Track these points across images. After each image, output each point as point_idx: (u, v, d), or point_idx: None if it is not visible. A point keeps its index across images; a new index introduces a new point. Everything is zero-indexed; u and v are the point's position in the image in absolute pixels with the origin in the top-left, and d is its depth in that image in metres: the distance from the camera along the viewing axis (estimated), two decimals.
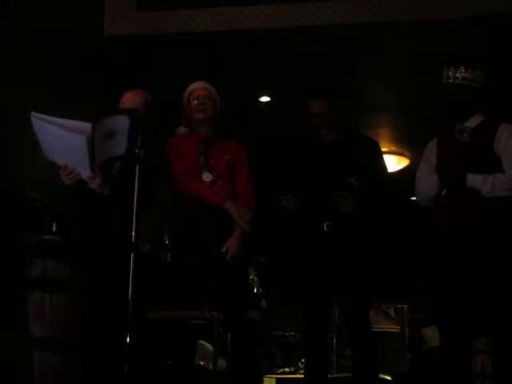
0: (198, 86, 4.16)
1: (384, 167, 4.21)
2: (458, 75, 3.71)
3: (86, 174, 3.48)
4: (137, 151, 3.57)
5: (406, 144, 7.37)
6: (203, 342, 4.71)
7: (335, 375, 6.04)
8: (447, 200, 3.73)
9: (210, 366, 4.32)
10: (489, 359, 4.83)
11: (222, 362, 4.11)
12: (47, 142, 3.42)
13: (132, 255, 3.46)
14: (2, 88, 4.56)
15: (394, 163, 7.48)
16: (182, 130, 4.18)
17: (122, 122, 3.44)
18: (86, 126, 3.33)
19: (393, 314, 7.00)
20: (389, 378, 5.90)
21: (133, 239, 3.51)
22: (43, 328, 3.42)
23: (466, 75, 3.70)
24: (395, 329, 6.90)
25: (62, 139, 3.36)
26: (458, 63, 3.73)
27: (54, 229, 4.01)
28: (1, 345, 3.22)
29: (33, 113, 3.35)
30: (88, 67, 4.99)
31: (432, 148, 3.90)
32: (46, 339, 3.42)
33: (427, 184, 3.87)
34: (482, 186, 3.60)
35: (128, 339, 3.35)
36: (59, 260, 3.54)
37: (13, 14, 4.78)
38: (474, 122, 3.75)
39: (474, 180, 3.62)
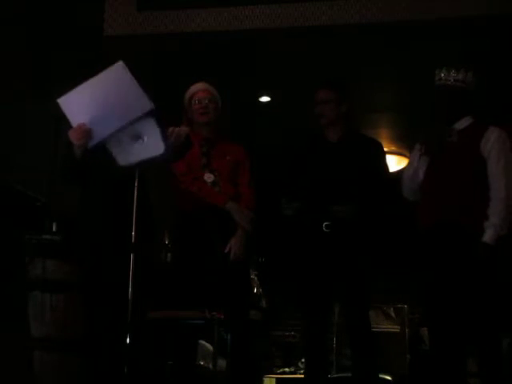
0: (199, 88, 4.15)
1: (386, 169, 4.21)
2: (450, 77, 3.72)
3: (103, 133, 3.29)
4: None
5: (406, 144, 7.36)
6: (203, 342, 4.71)
7: (335, 375, 6.03)
8: (431, 194, 3.73)
9: (210, 366, 4.32)
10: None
11: (221, 362, 4.11)
12: (100, 90, 3.29)
13: (132, 255, 3.46)
14: (2, 88, 4.56)
15: (394, 163, 7.48)
16: (185, 129, 4.16)
17: (148, 124, 3.34)
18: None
19: (393, 314, 7.00)
20: (389, 378, 5.89)
21: (133, 239, 3.52)
22: (43, 328, 3.42)
23: (458, 77, 3.71)
24: (395, 329, 6.89)
25: (127, 94, 3.28)
26: (450, 65, 3.74)
27: (54, 229, 4.01)
28: (1, 345, 3.22)
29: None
30: (88, 67, 4.98)
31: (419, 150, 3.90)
32: (45, 339, 3.42)
33: (408, 173, 3.88)
34: (494, 230, 3.57)
35: (128, 339, 3.35)
36: (59, 260, 3.55)
37: (13, 14, 4.78)
38: (462, 124, 3.76)
39: (489, 236, 3.58)
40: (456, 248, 3.59)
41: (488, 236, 3.57)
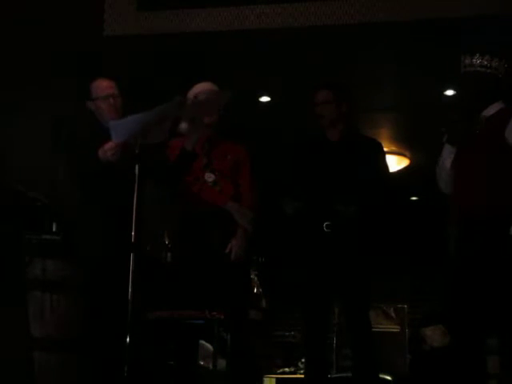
0: (206, 88, 4.10)
1: (386, 169, 4.20)
2: (474, 63, 3.60)
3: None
4: (136, 151, 3.59)
5: (406, 144, 7.37)
6: (203, 342, 4.70)
7: (335, 375, 6.03)
8: (458, 185, 3.64)
9: (210, 365, 4.32)
10: (489, 359, 4.81)
11: (221, 362, 4.11)
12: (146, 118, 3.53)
13: (132, 255, 3.46)
14: (2, 88, 4.56)
15: (394, 163, 7.48)
16: (184, 125, 4.10)
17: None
18: None
19: (393, 314, 7.01)
20: (389, 378, 5.89)
21: (133, 239, 3.52)
22: (43, 328, 3.42)
23: (484, 62, 3.58)
24: (395, 329, 6.91)
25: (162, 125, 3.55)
26: (474, 51, 3.63)
27: (53, 229, 4.01)
28: (1, 345, 3.22)
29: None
30: (88, 67, 4.98)
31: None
32: (45, 339, 3.42)
33: (437, 164, 3.77)
34: None
35: (128, 339, 3.35)
36: (59, 260, 3.54)
37: (13, 14, 4.78)
38: (491, 110, 3.61)
39: None
40: (484, 243, 3.46)
41: None
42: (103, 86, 3.85)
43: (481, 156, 3.58)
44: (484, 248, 3.48)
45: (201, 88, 4.10)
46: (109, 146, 3.51)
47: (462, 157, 3.66)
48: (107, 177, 3.61)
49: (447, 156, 3.72)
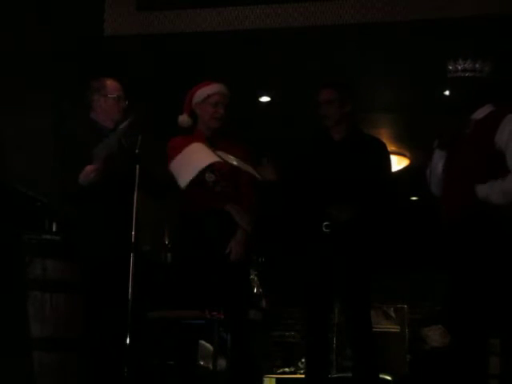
0: (219, 91, 4.05)
1: (389, 169, 4.19)
2: (458, 68, 3.60)
3: None
4: (137, 151, 3.61)
5: (406, 144, 7.37)
6: (203, 342, 4.71)
7: (335, 375, 6.04)
8: (446, 189, 3.64)
9: (210, 365, 4.32)
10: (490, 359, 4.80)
11: (221, 362, 4.11)
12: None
13: (132, 255, 3.47)
14: (2, 88, 4.56)
15: (394, 163, 7.48)
16: (185, 118, 4.08)
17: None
18: None
19: (393, 314, 7.00)
20: (389, 378, 5.90)
21: (133, 239, 3.53)
22: (43, 328, 3.42)
23: (467, 66, 3.58)
24: (395, 329, 6.90)
25: None
26: (457, 56, 3.62)
27: (54, 229, 4.01)
28: (1, 345, 3.22)
29: None
30: (88, 67, 4.99)
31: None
32: (45, 339, 3.42)
33: (429, 167, 3.76)
34: (491, 196, 3.42)
35: (128, 339, 3.35)
36: (59, 260, 3.54)
37: (13, 14, 4.78)
38: (481, 113, 3.58)
39: (480, 190, 3.44)
40: (473, 244, 3.45)
41: (482, 188, 3.42)
42: (116, 87, 3.94)
43: (470, 160, 3.55)
44: (473, 249, 3.47)
45: (217, 89, 4.06)
46: (90, 168, 3.61)
47: (452, 160, 3.65)
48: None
49: (438, 161, 3.71)
